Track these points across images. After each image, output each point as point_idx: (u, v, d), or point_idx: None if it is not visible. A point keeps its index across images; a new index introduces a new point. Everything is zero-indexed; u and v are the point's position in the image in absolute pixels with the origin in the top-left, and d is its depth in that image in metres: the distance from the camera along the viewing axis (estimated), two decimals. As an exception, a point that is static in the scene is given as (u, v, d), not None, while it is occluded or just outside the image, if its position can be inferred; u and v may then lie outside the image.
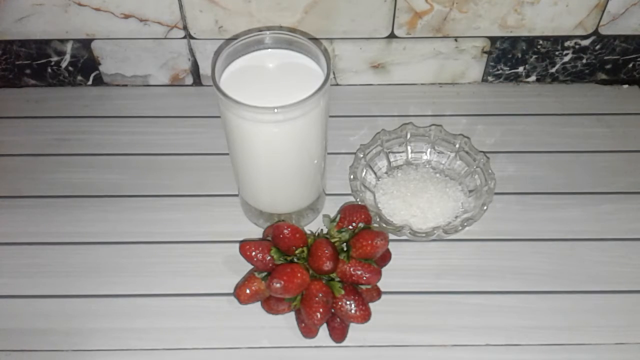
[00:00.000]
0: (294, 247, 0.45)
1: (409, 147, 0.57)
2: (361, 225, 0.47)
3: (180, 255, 0.52)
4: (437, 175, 0.56)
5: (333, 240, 0.46)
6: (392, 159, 0.57)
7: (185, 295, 0.49)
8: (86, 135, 0.61)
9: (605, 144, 0.60)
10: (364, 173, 0.55)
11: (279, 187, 0.50)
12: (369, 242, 0.45)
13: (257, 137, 0.45)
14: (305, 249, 0.46)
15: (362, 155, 0.55)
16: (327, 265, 0.44)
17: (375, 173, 0.56)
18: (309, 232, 0.48)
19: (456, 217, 0.53)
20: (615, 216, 0.54)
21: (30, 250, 0.52)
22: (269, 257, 0.46)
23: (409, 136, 0.57)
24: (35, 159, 0.59)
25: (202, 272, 0.51)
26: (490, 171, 0.54)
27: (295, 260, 0.46)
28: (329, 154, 0.52)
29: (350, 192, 0.53)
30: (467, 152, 0.56)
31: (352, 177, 0.54)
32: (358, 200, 0.52)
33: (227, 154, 0.51)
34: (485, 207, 0.51)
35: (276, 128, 0.43)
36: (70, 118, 0.63)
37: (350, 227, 0.47)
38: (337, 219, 0.48)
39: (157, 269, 0.51)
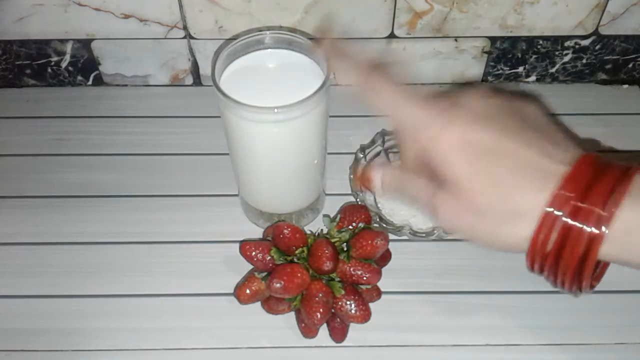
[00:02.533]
0: (294, 247, 0.45)
1: None
2: (361, 225, 0.47)
3: (180, 255, 0.52)
4: None
5: (333, 240, 0.46)
6: (392, 159, 0.57)
7: (185, 295, 0.49)
8: (86, 135, 0.61)
9: (605, 144, 0.60)
10: None
11: (279, 187, 0.50)
12: (369, 242, 0.45)
13: (257, 137, 0.45)
14: (305, 249, 0.46)
15: (362, 155, 0.55)
16: (327, 265, 0.44)
17: None
18: (309, 232, 0.48)
19: None
20: (615, 216, 0.54)
21: (30, 250, 0.52)
22: (269, 257, 0.46)
23: None
24: (35, 159, 0.59)
25: (202, 272, 0.51)
26: None
27: (295, 260, 0.46)
28: (329, 154, 0.52)
29: (350, 192, 0.53)
30: None
31: (352, 177, 0.54)
32: (358, 200, 0.52)
33: (227, 154, 0.51)
34: None
35: (276, 128, 0.43)
36: (70, 118, 0.63)
37: (350, 227, 0.47)
38: (337, 219, 0.48)
39: (157, 269, 0.51)
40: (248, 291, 0.46)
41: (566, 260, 0.33)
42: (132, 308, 0.49)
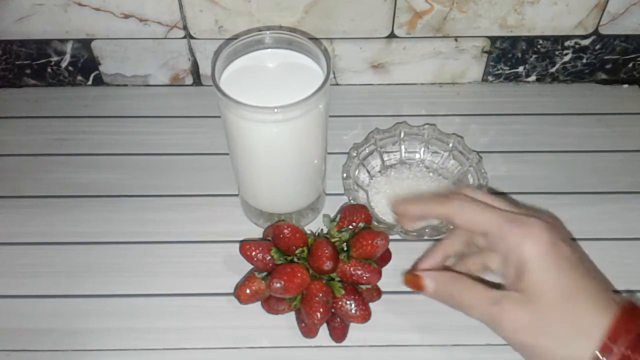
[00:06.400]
0: (294, 247, 0.45)
1: (402, 146, 0.57)
2: (361, 225, 0.47)
3: (180, 255, 0.52)
4: (431, 174, 0.56)
5: (333, 240, 0.46)
6: (385, 158, 0.57)
7: (185, 295, 0.49)
8: (86, 135, 0.61)
9: (605, 144, 0.60)
10: (357, 172, 0.55)
11: (279, 187, 0.50)
12: (369, 242, 0.45)
13: (257, 137, 0.45)
14: (305, 248, 0.46)
15: (355, 154, 0.55)
16: (327, 265, 0.44)
17: (368, 172, 0.56)
18: (309, 232, 0.48)
19: None
20: (616, 216, 0.54)
21: (30, 250, 0.52)
22: (269, 257, 0.46)
23: (402, 135, 0.57)
24: (35, 159, 0.59)
25: (202, 272, 0.51)
26: (482, 170, 0.53)
27: (295, 260, 0.46)
28: (329, 154, 0.52)
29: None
30: (460, 152, 0.55)
31: (344, 175, 0.53)
32: (350, 198, 0.52)
33: (227, 154, 0.51)
34: None
35: (276, 128, 0.43)
36: (70, 118, 0.63)
37: (350, 227, 0.47)
38: (337, 219, 0.48)
39: (157, 269, 0.51)
40: (248, 291, 0.46)
41: None
42: (133, 308, 0.49)
